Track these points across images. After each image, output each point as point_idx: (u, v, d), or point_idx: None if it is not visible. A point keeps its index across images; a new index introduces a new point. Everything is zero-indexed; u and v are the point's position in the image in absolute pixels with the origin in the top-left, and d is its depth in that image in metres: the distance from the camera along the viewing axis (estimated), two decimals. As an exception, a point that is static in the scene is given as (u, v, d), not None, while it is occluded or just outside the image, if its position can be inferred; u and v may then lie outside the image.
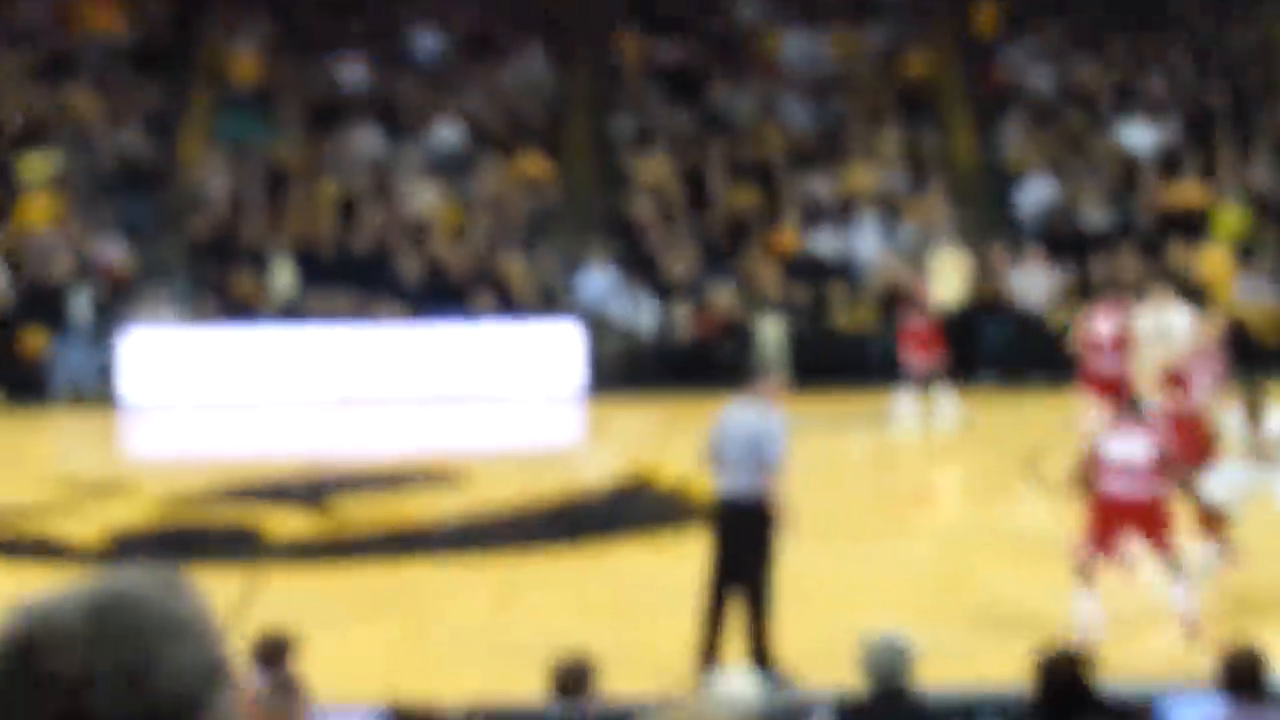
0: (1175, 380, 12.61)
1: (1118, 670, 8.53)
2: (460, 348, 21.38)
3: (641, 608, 10.75)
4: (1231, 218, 23.63)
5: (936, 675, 8.45)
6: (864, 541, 12.65)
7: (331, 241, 22.88)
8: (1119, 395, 13.71)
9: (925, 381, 18.48)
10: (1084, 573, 10.07)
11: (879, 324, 21.66)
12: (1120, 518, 10.15)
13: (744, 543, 9.21)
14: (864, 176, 24.46)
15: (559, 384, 21.06)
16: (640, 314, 22.09)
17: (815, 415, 18.88)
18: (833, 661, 8.91)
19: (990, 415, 18.36)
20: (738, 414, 9.33)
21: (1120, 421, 10.59)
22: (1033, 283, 21.22)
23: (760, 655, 9.08)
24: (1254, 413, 11.16)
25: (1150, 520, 10.15)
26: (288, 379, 20.78)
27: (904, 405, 18.25)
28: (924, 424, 18.05)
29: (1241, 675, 6.10)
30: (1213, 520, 11.19)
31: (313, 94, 25.86)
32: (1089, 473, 10.27)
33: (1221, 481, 11.09)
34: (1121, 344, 15.97)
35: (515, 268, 22.32)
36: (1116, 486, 10.14)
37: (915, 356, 18.61)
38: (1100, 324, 16.30)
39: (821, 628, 10.01)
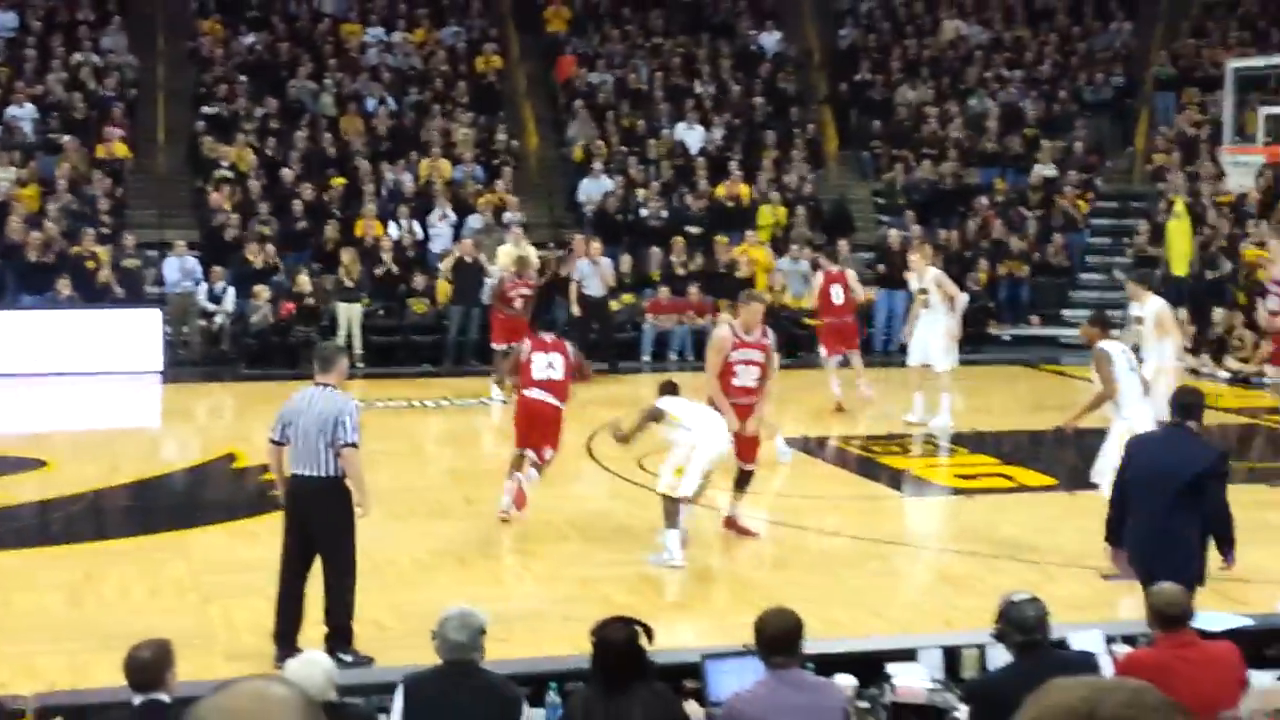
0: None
1: (671, 638, 8.83)
2: (41, 331, 20.25)
3: (221, 589, 10.44)
4: (771, 212, 24.64)
5: (508, 649, 8.56)
6: (437, 519, 12.65)
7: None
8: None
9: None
10: (515, 460, 12.51)
11: (452, 310, 21.70)
12: (534, 419, 12.49)
13: (319, 522, 9.02)
14: (440, 167, 24.44)
15: (140, 368, 20.19)
16: (221, 299, 21.51)
17: (391, 396, 18.84)
18: (408, 637, 8.91)
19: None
20: (310, 396, 9.06)
21: (542, 342, 12.79)
22: (592, 271, 21.56)
23: (341, 633, 8.95)
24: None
25: (548, 426, 12.49)
26: None
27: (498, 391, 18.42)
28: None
29: (775, 637, 6.30)
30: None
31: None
32: (519, 376, 12.66)
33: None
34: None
35: (96, 252, 21.34)
36: (535, 394, 12.48)
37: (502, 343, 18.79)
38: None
39: (396, 604, 9.96)
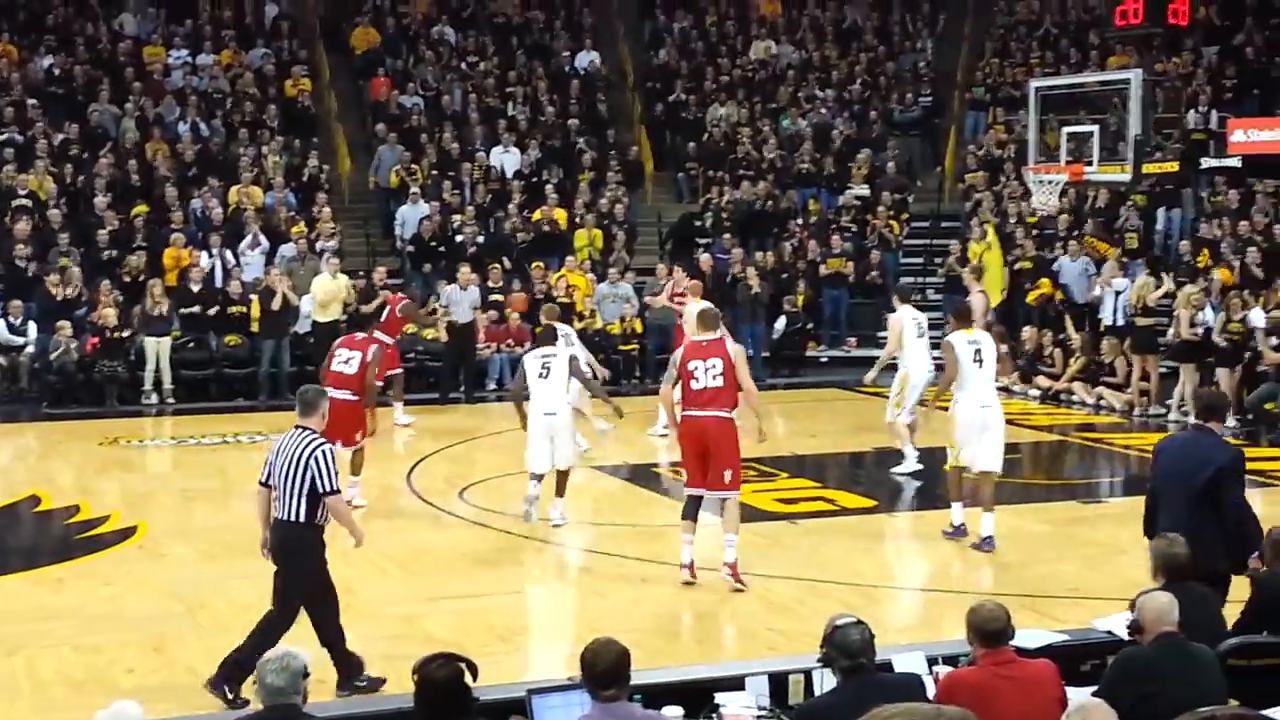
0: None
1: (497, 674, 8.78)
2: None
3: (25, 639, 10.07)
4: (587, 236, 24.70)
5: (330, 691, 8.46)
6: (254, 558, 12.40)
7: None
8: None
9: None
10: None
11: (264, 343, 21.32)
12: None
13: (279, 565, 8.97)
14: (251, 193, 24.05)
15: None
16: (22, 333, 20.89)
17: (204, 432, 18.44)
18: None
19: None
20: (288, 438, 8.95)
21: (350, 339, 14.47)
22: (461, 298, 21.41)
23: (235, 674, 8.68)
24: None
25: (340, 420, 12.66)
26: None
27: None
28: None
29: (603, 670, 6.29)
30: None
31: None
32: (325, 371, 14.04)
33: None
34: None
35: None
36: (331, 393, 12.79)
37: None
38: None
39: (212, 648, 9.73)
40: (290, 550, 8.89)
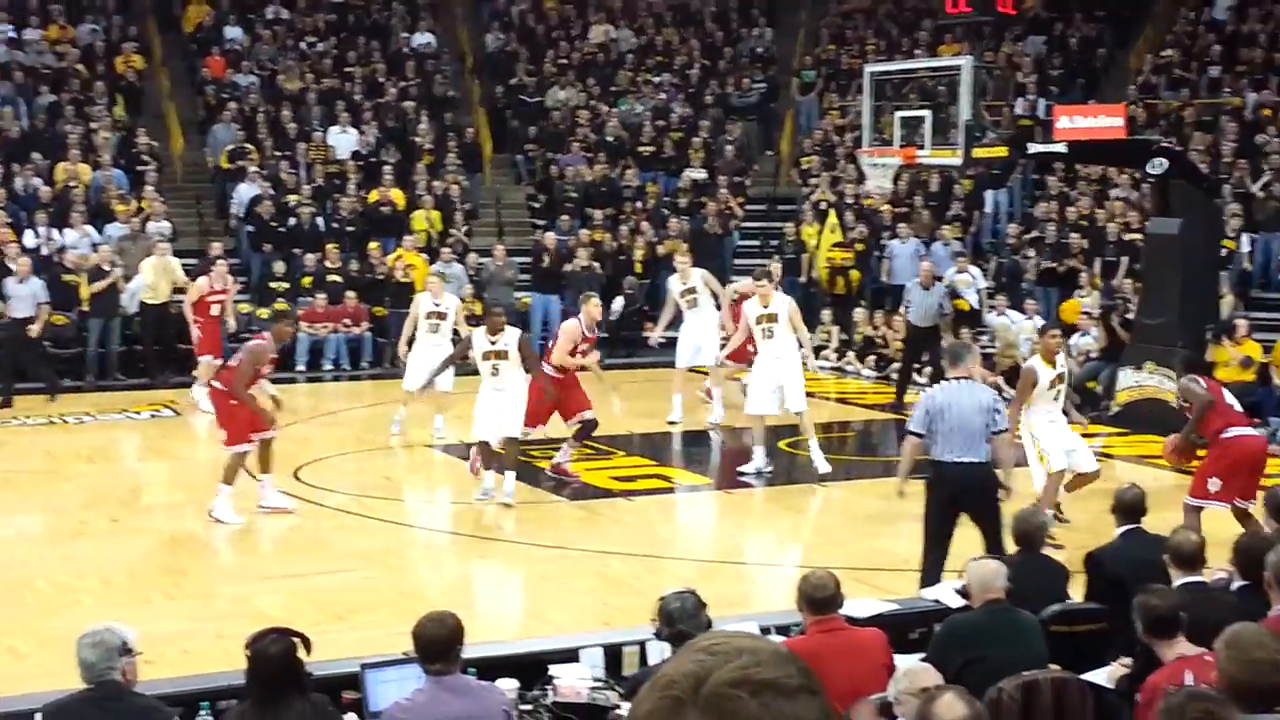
0: None
1: (331, 649, 8.68)
2: None
3: None
4: (425, 218, 24.48)
5: (158, 670, 8.26)
6: (80, 539, 12.12)
7: None
8: None
9: None
10: None
11: (91, 323, 20.74)
12: None
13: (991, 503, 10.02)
14: (79, 171, 23.41)
15: None
16: None
17: (30, 412, 17.98)
18: (48, 664, 8.48)
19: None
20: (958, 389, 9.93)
21: None
22: None
23: None
24: None
25: None
26: None
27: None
28: None
29: (432, 643, 6.25)
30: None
31: None
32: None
33: None
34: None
35: None
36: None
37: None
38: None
39: (35, 630, 9.48)
40: (992, 488, 9.87)
